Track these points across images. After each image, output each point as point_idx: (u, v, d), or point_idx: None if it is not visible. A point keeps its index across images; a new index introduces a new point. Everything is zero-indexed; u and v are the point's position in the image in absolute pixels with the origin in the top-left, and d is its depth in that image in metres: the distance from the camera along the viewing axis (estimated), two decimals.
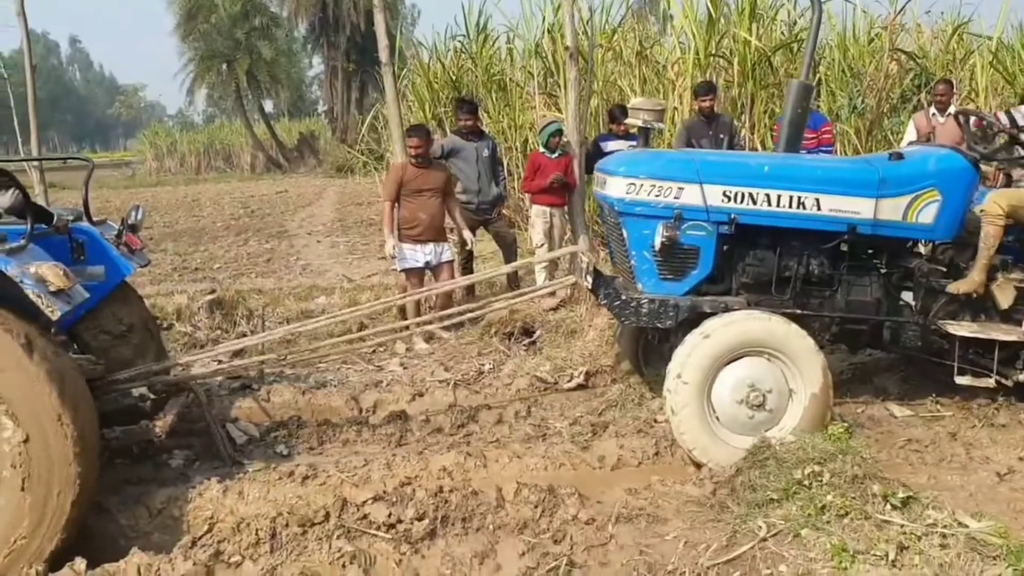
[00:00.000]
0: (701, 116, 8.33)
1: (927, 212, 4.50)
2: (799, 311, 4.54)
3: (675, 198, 4.39)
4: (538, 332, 6.62)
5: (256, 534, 3.56)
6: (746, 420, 4.17)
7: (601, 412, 5.12)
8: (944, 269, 4.85)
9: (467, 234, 7.45)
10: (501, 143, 11.18)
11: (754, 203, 4.42)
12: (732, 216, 4.42)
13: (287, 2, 39.58)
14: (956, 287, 4.67)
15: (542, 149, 7.86)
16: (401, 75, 14.50)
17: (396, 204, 7.17)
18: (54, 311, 3.58)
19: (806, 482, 3.58)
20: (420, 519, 3.63)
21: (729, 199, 4.41)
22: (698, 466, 4.16)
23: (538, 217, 7.91)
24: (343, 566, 3.37)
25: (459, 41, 15.28)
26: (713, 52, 10.60)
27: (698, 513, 3.72)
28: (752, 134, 10.47)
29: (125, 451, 4.70)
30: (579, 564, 3.36)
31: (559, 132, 7.67)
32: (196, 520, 3.97)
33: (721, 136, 8.16)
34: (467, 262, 8.02)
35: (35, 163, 8.73)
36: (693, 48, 10.53)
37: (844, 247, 4.66)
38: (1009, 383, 4.63)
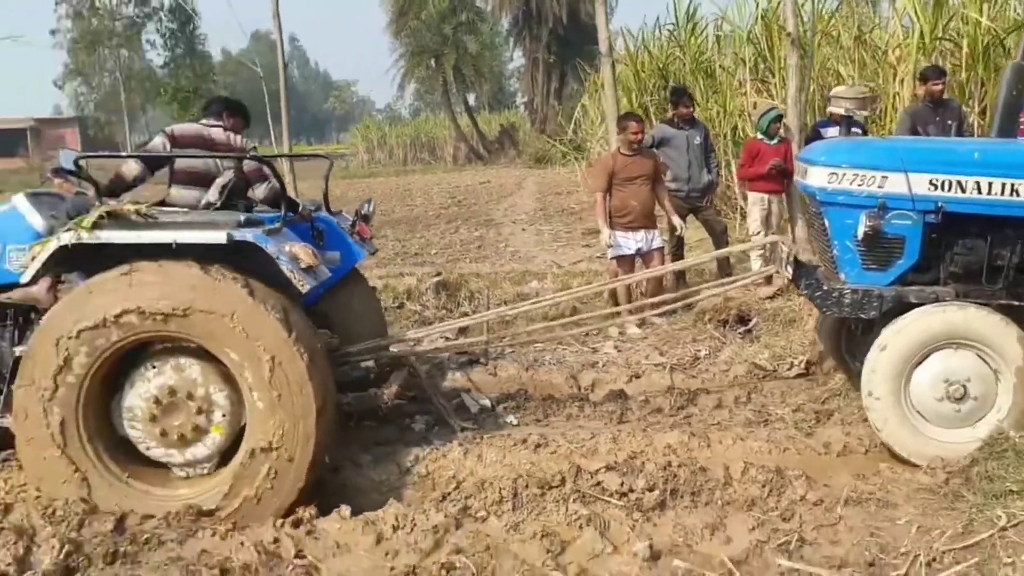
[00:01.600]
0: (928, 102, 8.00)
1: None
2: (1014, 302, 4.33)
3: (878, 187, 4.28)
4: (754, 320, 6.65)
5: (499, 493, 3.87)
6: (954, 415, 4.09)
7: (824, 400, 5.12)
8: None
9: (677, 220, 7.55)
10: (711, 130, 11.14)
11: (963, 191, 4.22)
12: (939, 204, 4.24)
13: None
14: None
15: (760, 136, 7.82)
16: (602, 65, 14.72)
17: (607, 194, 7.36)
18: (304, 285, 4.08)
19: None
20: (650, 490, 3.83)
21: (936, 187, 4.24)
22: None
23: (755, 204, 7.90)
24: (579, 527, 3.60)
25: (667, 29, 15.32)
26: (940, 35, 10.08)
27: (930, 500, 3.69)
28: (983, 120, 9.90)
29: (372, 414, 5.19)
30: (809, 541, 3.44)
31: (779, 118, 7.61)
32: (440, 478, 4.36)
33: (949, 122, 7.79)
34: (677, 249, 8.11)
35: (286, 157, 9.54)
36: (917, 31, 10.05)
37: None
38: None
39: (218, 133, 5.36)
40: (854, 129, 8.02)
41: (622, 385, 5.63)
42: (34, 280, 4.25)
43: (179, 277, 3.92)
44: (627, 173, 7.25)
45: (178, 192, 5.18)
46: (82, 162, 4.90)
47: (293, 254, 4.14)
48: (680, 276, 7.93)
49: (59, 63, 51.54)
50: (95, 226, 3.98)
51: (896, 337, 4.13)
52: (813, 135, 8.05)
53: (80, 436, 4.00)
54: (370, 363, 5.17)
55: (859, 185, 4.32)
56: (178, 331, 3.94)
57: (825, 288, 4.49)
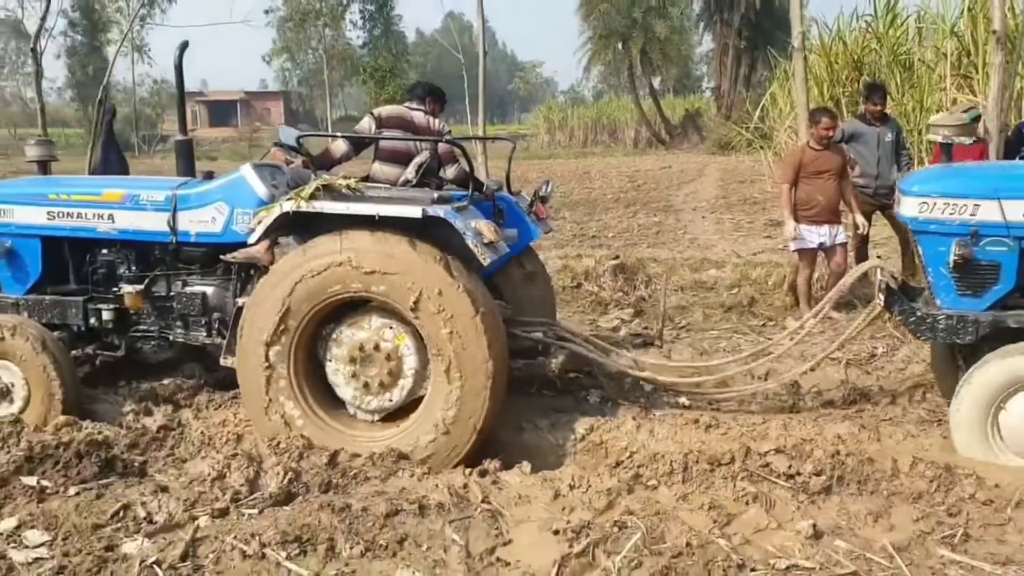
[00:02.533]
0: None
1: None
2: None
3: (971, 215, 4.30)
4: None
5: (671, 465, 4.14)
6: None
7: None
8: None
9: (859, 218, 7.51)
10: (904, 126, 10.82)
11: None
12: None
13: None
14: None
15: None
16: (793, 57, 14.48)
17: (794, 186, 7.40)
18: (485, 258, 4.55)
19: None
20: (817, 474, 3.99)
21: None
22: None
23: None
24: (746, 503, 3.83)
25: (865, 20, 14.87)
26: None
27: None
28: None
29: (551, 385, 5.58)
30: (975, 538, 3.53)
31: (978, 118, 7.40)
32: (613, 448, 4.68)
33: None
34: (861, 246, 8.04)
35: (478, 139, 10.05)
36: None
37: None
38: None
39: (419, 116, 5.93)
40: None
41: (796, 377, 5.73)
42: (257, 242, 4.92)
43: (383, 244, 4.49)
44: (815, 167, 7.27)
45: (380, 168, 5.80)
46: (303, 140, 5.54)
47: (477, 230, 4.61)
48: (863, 274, 7.84)
49: (268, 40, 54.86)
50: (312, 196, 4.60)
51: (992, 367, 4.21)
52: (1015, 137, 7.78)
53: (291, 378, 4.69)
54: (538, 335, 5.50)
55: (950, 214, 4.37)
56: (377, 292, 4.52)
57: (919, 314, 4.55)
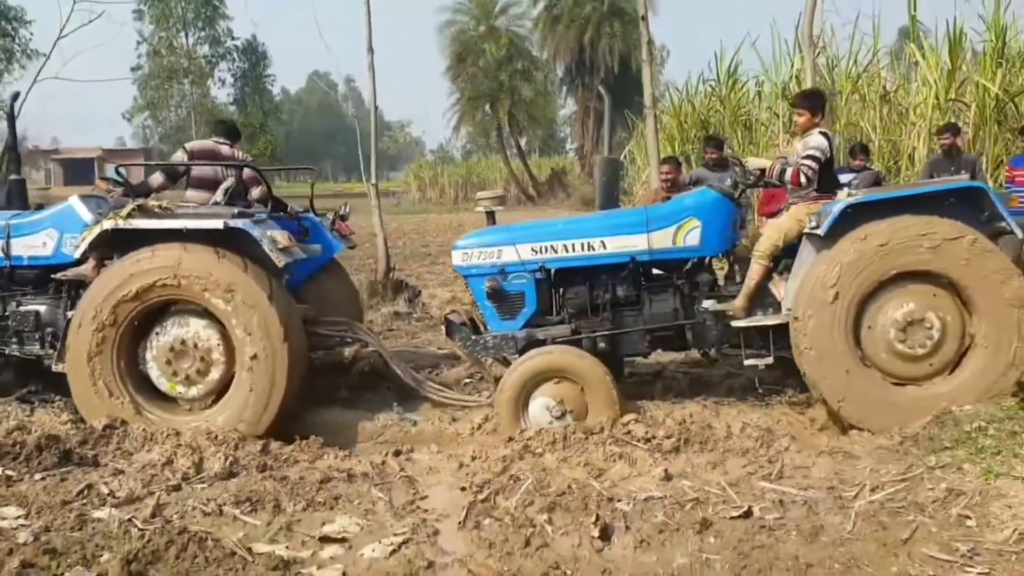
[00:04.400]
0: (943, 154, 9.13)
1: None
2: None
3: (497, 258, 5.83)
4: None
5: (554, 436, 5.02)
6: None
7: None
8: None
9: None
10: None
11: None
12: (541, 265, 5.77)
13: (547, 46, 42.40)
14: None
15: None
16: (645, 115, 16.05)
17: None
18: (280, 260, 5.55)
19: (973, 434, 4.58)
20: (669, 437, 4.96)
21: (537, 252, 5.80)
22: None
23: None
24: (613, 461, 4.75)
25: (710, 85, 16.60)
26: (952, 97, 11.23)
27: (885, 454, 4.78)
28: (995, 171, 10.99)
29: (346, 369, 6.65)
30: (787, 476, 4.55)
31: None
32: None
33: (963, 172, 8.91)
34: None
35: (373, 184, 10.90)
36: (934, 92, 11.21)
37: None
38: None
39: (224, 148, 6.86)
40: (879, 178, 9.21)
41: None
42: (83, 260, 5.82)
43: (189, 254, 5.43)
44: None
45: (192, 194, 6.67)
46: (122, 170, 6.54)
47: (272, 237, 5.62)
48: None
49: (125, 96, 54.15)
50: (129, 216, 5.52)
51: None
52: None
53: (117, 376, 5.53)
54: (337, 332, 6.46)
55: (484, 259, 5.76)
56: (185, 295, 5.45)
57: (473, 338, 5.87)
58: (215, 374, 5.58)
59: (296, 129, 79.12)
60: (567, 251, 5.73)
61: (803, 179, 5.61)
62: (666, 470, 4.56)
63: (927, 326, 5.14)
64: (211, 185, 6.52)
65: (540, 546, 3.78)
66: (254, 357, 5.41)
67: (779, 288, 5.63)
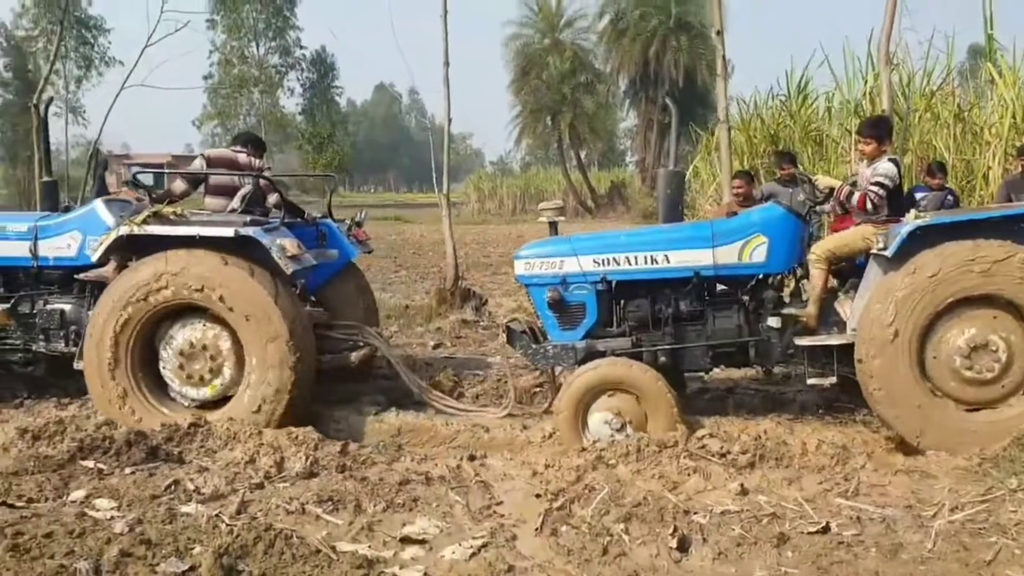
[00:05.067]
0: (1022, 175, 8.94)
1: None
2: None
3: (559, 269, 5.80)
4: None
5: (627, 448, 5.05)
6: None
7: None
8: None
9: None
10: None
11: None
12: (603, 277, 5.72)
13: (611, 59, 42.42)
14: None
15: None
16: (718, 129, 15.98)
17: None
18: (288, 267, 5.69)
19: None
20: (744, 453, 4.96)
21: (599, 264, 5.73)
22: None
23: None
24: (688, 475, 4.77)
25: (780, 99, 16.48)
26: None
27: (964, 475, 4.72)
28: None
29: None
30: (863, 493, 4.52)
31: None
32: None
33: None
34: None
35: (444, 195, 11.04)
36: (1011, 111, 10.99)
37: None
38: None
39: (242, 157, 6.99)
40: (948, 198, 9.08)
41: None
42: (104, 262, 6.04)
43: (200, 259, 5.61)
44: None
45: (211, 201, 6.82)
46: (142, 176, 6.73)
47: (282, 245, 5.74)
48: None
49: (198, 105, 55.40)
50: (144, 222, 5.72)
51: None
52: (908, 199, 9.14)
53: (131, 376, 5.73)
54: (347, 335, 6.59)
55: (545, 269, 5.78)
56: (196, 299, 5.61)
57: (534, 347, 5.89)
58: (225, 376, 5.77)
59: (361, 140, 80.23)
60: (629, 264, 5.71)
61: (869, 205, 5.58)
62: (742, 485, 4.57)
63: (992, 349, 5.06)
64: (229, 192, 6.69)
65: (618, 555, 3.82)
66: (261, 359, 5.59)
67: (845, 307, 5.59)
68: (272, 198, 6.82)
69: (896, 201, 5.74)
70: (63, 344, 6.34)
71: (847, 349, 5.37)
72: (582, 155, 48.19)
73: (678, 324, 5.73)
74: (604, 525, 4.11)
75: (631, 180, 46.29)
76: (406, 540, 4.00)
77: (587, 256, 5.74)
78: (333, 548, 3.84)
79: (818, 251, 5.60)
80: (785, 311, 5.67)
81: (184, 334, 5.77)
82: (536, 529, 4.14)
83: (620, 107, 49.13)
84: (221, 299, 5.56)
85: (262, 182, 6.75)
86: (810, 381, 5.57)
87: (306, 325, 5.89)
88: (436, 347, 8.75)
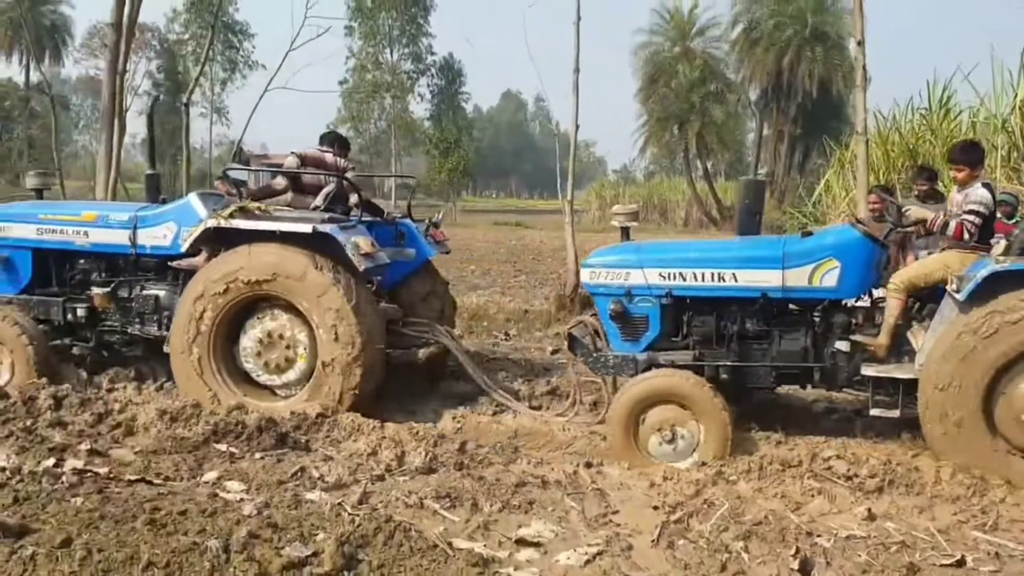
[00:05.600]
0: None
1: None
2: None
3: (624, 280, 5.71)
4: None
5: (748, 464, 4.93)
6: None
7: None
8: None
9: None
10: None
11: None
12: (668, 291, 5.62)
13: (743, 69, 41.62)
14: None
15: (1000, 215, 8.46)
16: (853, 142, 15.41)
17: None
18: (361, 264, 5.88)
19: None
20: (872, 476, 4.76)
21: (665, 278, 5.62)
22: None
23: None
24: (812, 496, 4.62)
25: (920, 113, 15.80)
26: None
27: None
28: None
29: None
30: (1003, 528, 4.28)
31: (1004, 202, 8.31)
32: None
33: None
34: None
35: (568, 201, 11.07)
36: None
37: None
38: None
39: (329, 157, 7.16)
40: None
41: None
42: (194, 252, 6.37)
43: (279, 254, 5.91)
44: None
45: (296, 198, 6.93)
46: (230, 173, 7.16)
47: (356, 243, 5.91)
48: None
49: (333, 108, 57.07)
50: (231, 216, 5.98)
51: None
52: None
53: (212, 360, 6.07)
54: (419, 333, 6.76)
55: (611, 280, 5.71)
56: (275, 291, 5.90)
57: (595, 355, 5.82)
58: (300, 364, 6.05)
59: (486, 146, 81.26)
60: (696, 280, 5.58)
61: (966, 235, 5.29)
62: (869, 510, 4.40)
63: None
64: (316, 190, 6.91)
65: (736, 572, 3.74)
66: (331, 351, 5.83)
67: (918, 337, 5.29)
68: (353, 197, 6.99)
69: (988, 228, 5.44)
70: (156, 328, 6.68)
71: (915, 383, 5.10)
72: (709, 165, 47.41)
73: (743, 342, 5.60)
74: (723, 541, 4.02)
75: None
76: (521, 542, 4.01)
77: (653, 269, 5.64)
78: (450, 544, 3.89)
79: (897, 280, 5.33)
80: (856, 337, 5.45)
81: (263, 324, 6.09)
82: (652, 541, 4.09)
83: (751, 118, 48.20)
84: (295, 292, 5.86)
85: (345, 182, 6.95)
86: (873, 412, 5.32)
87: (377, 320, 6.11)
88: (554, 352, 8.75)
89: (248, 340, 6.12)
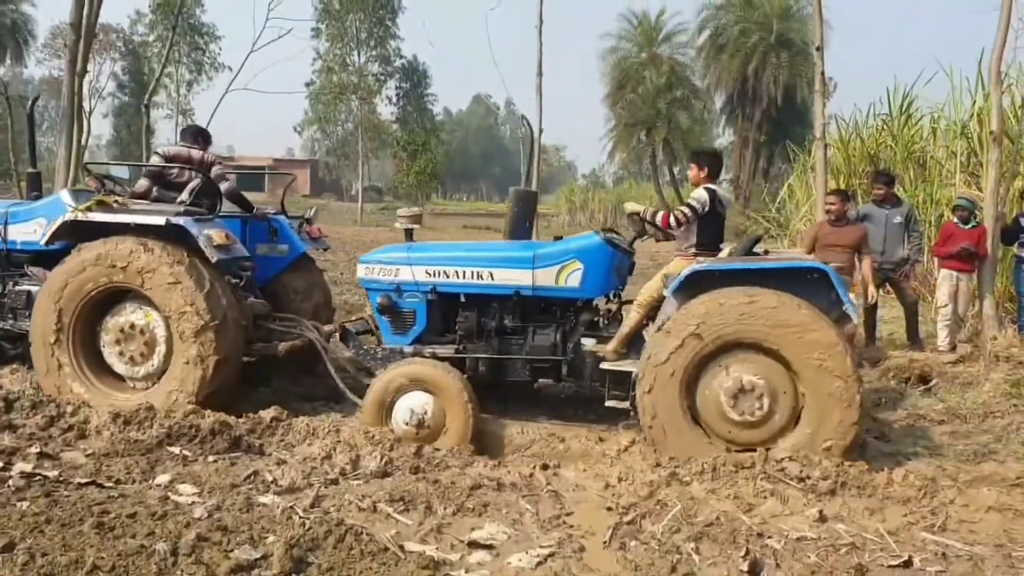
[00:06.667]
0: None
1: None
2: None
3: (394, 276, 6.24)
4: (935, 381, 7.40)
5: (702, 466, 4.95)
6: None
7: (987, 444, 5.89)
8: None
9: (871, 289, 8.34)
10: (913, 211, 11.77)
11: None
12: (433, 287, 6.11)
13: (709, 75, 41.91)
14: None
15: (955, 220, 8.60)
16: (814, 147, 15.56)
17: (811, 254, 8.28)
18: (213, 256, 5.97)
19: None
20: (825, 479, 4.79)
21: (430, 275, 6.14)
22: None
23: (944, 280, 8.65)
24: (764, 497, 4.64)
25: (881, 119, 15.98)
26: None
27: None
28: None
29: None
30: (951, 529, 4.33)
31: (960, 207, 8.49)
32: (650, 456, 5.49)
33: None
34: (870, 314, 8.89)
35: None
36: None
37: None
38: None
39: (195, 152, 7.19)
40: None
41: None
42: (47, 244, 6.40)
43: (131, 246, 5.95)
44: (829, 240, 8.18)
45: (162, 193, 7.01)
46: (91, 167, 7.37)
47: (208, 235, 6.01)
48: (871, 338, 8.74)
49: (300, 110, 56.88)
50: (88, 209, 6.11)
51: None
52: (1014, 224, 8.78)
53: (71, 353, 6.13)
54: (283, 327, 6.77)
55: (383, 275, 6.17)
56: (127, 284, 6.01)
57: (365, 347, 6.32)
58: (157, 357, 6.11)
59: (455, 149, 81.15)
60: (458, 277, 6.05)
61: (673, 222, 5.85)
62: (821, 511, 4.43)
63: (753, 391, 5.13)
64: (183, 186, 6.97)
65: (686, 573, 3.75)
66: (186, 343, 5.90)
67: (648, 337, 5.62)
68: (224, 186, 7.01)
69: (710, 231, 5.95)
70: (29, 323, 6.61)
71: None
72: (675, 171, 47.66)
73: (501, 337, 6.06)
74: (674, 543, 4.03)
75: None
76: (473, 544, 4.00)
77: (420, 267, 6.11)
78: (401, 547, 3.86)
79: (640, 297, 5.80)
80: (586, 341, 5.92)
81: (124, 317, 6.15)
82: (604, 542, 4.09)
83: (716, 124, 48.53)
84: (148, 284, 5.93)
85: (215, 172, 6.99)
86: (608, 403, 5.69)
87: (234, 313, 6.16)
88: None
89: (107, 333, 6.20)
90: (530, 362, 5.99)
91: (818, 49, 9.55)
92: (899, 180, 13.56)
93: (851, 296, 8.10)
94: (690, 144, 44.69)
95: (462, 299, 6.18)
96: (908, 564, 3.89)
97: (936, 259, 9.19)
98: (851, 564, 3.85)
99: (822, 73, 9.42)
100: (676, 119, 42.68)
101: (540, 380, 6.10)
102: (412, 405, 5.58)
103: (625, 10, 43.91)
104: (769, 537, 4.14)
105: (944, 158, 14.07)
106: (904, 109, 15.43)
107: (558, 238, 6.25)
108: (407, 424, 5.54)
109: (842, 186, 14.68)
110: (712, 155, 6.27)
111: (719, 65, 40.67)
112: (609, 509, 4.53)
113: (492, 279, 5.98)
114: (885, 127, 15.84)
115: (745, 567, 3.78)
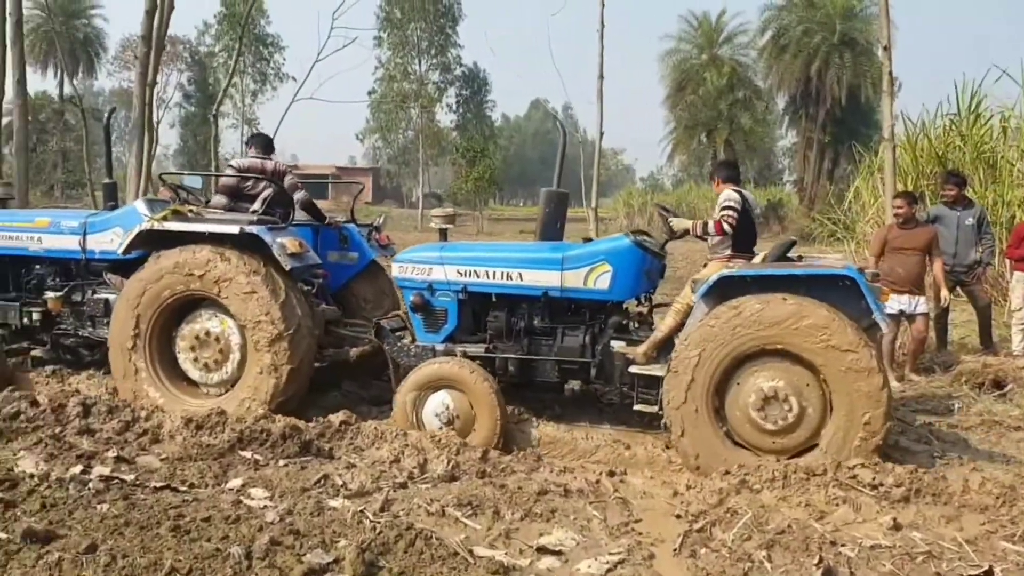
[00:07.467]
0: None
1: None
2: None
3: (427, 275, 6.35)
4: (1010, 385, 7.19)
5: (773, 473, 4.89)
6: None
7: None
8: None
9: (943, 292, 8.15)
10: (985, 213, 11.45)
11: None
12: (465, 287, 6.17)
13: (771, 76, 41.38)
14: None
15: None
16: (881, 148, 15.21)
17: (880, 258, 8.14)
18: (287, 263, 6.04)
19: None
20: (898, 486, 4.70)
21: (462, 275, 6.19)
22: None
23: (1018, 283, 8.40)
24: (836, 505, 4.56)
25: (949, 118, 15.57)
26: None
27: None
28: None
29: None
30: None
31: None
32: None
33: None
34: (942, 317, 8.69)
35: (593, 208, 11.08)
36: None
37: None
38: None
39: (268, 163, 7.22)
40: None
41: None
42: (124, 253, 6.54)
43: (208, 254, 6.09)
44: (898, 243, 8.01)
45: (236, 205, 7.03)
46: (166, 177, 7.58)
47: (282, 244, 6.08)
48: (943, 342, 8.54)
49: (362, 119, 57.53)
50: (164, 219, 6.23)
51: None
52: None
53: (147, 359, 6.29)
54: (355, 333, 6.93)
55: (415, 274, 6.27)
56: (205, 291, 6.09)
57: (399, 344, 6.43)
58: (232, 364, 6.23)
59: (513, 155, 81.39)
60: (488, 277, 6.12)
61: (726, 227, 5.86)
62: (895, 519, 4.34)
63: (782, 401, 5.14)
64: (255, 198, 7.02)
65: None
66: (261, 349, 6.01)
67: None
68: (299, 194, 7.15)
69: (744, 233, 5.99)
70: (107, 330, 6.77)
71: None
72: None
73: (530, 337, 6.11)
74: (745, 550, 3.99)
75: (788, 199, 44.87)
76: (542, 550, 4.01)
77: (452, 266, 6.19)
78: (471, 552, 3.89)
79: (679, 303, 5.74)
80: (616, 343, 5.89)
81: (200, 324, 6.28)
82: (675, 550, 4.07)
83: (779, 124, 47.88)
84: (224, 292, 6.04)
85: (287, 183, 7.10)
86: (636, 407, 5.67)
87: (308, 322, 6.24)
88: None
89: (183, 339, 6.34)
90: (559, 363, 6.02)
91: (885, 49, 9.37)
92: (969, 181, 13.21)
93: (920, 299, 8.03)
94: (753, 145, 44.36)
95: (493, 299, 6.25)
96: (989, 574, 3.80)
97: (1008, 261, 8.92)
98: (929, 573, 3.78)
99: (890, 73, 9.24)
100: (738, 120, 42.31)
101: (569, 382, 6.08)
102: (442, 402, 5.74)
103: (685, 11, 43.28)
104: (843, 545, 4.07)
105: (1015, 158, 13.66)
106: (973, 108, 15.00)
107: (587, 240, 6.26)
108: (437, 422, 5.69)
109: (909, 187, 14.37)
110: (720, 164, 6.34)
111: (781, 65, 40.15)
112: (678, 516, 4.50)
113: (521, 280, 6.05)
114: (953, 127, 15.40)
115: (819, 575, 3.73)
